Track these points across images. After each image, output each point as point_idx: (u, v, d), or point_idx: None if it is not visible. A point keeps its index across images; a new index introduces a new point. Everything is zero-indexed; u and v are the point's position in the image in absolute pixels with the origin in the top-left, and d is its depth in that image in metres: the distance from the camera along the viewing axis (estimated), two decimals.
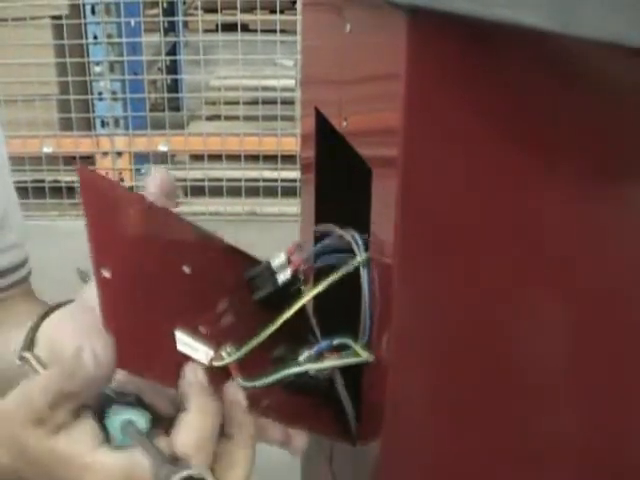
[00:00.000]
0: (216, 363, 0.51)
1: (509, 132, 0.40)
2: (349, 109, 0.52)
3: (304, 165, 0.72)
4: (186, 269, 0.57)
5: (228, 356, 0.51)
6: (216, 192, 2.85)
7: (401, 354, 0.45)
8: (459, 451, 0.47)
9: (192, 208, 2.84)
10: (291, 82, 2.94)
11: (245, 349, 0.51)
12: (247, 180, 2.81)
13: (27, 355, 0.61)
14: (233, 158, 2.84)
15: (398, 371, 0.45)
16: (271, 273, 0.59)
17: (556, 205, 0.42)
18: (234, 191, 2.83)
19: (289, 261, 0.58)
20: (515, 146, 0.41)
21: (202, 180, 2.84)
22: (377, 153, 0.46)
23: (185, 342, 0.51)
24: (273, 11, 2.83)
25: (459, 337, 0.44)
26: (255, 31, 2.82)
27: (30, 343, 0.62)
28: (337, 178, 0.66)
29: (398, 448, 0.47)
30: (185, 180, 2.89)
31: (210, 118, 2.98)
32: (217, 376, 0.50)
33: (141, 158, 2.91)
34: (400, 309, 0.44)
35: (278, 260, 0.59)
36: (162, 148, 2.86)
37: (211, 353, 0.51)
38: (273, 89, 2.87)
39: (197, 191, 2.87)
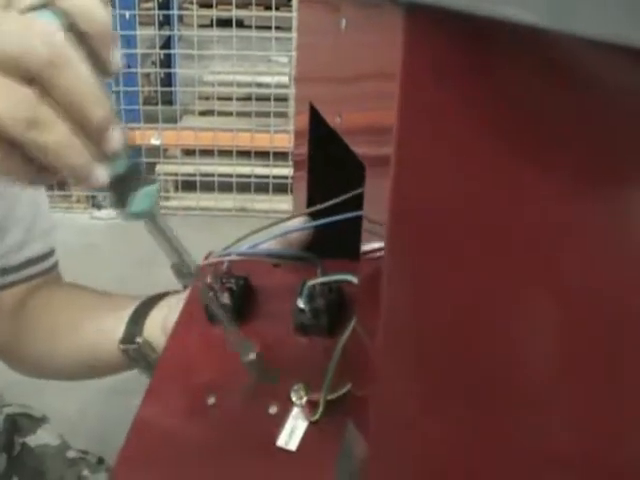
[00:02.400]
0: (315, 417, 0.52)
1: (506, 132, 0.40)
2: (343, 106, 0.52)
3: (297, 162, 0.72)
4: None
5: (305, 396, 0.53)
6: (207, 187, 2.84)
7: (389, 351, 0.44)
8: (448, 451, 0.47)
9: (183, 203, 2.84)
10: (285, 79, 2.93)
11: (327, 383, 0.52)
12: (238, 176, 2.80)
13: (140, 340, 0.64)
14: (225, 153, 2.84)
15: (386, 369, 0.45)
16: (216, 300, 0.59)
17: (552, 205, 0.42)
18: (225, 187, 2.82)
19: (212, 288, 0.59)
20: (511, 146, 0.40)
21: (193, 175, 2.83)
22: (371, 151, 0.46)
23: (289, 435, 0.52)
24: (268, 7, 2.83)
25: (449, 335, 0.44)
26: (250, 27, 2.81)
27: (139, 330, 0.65)
28: (330, 176, 0.66)
29: (386, 447, 0.47)
30: (176, 175, 2.89)
31: (203, 113, 2.98)
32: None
33: (133, 151, 2.90)
34: (390, 306, 0.44)
35: (206, 294, 0.58)
36: (154, 142, 2.85)
37: (302, 415, 0.53)
38: (267, 85, 2.87)
39: (188, 186, 2.87)
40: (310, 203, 0.67)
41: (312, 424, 0.52)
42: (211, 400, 0.55)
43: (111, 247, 2.59)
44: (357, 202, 0.54)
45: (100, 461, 0.84)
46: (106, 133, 0.39)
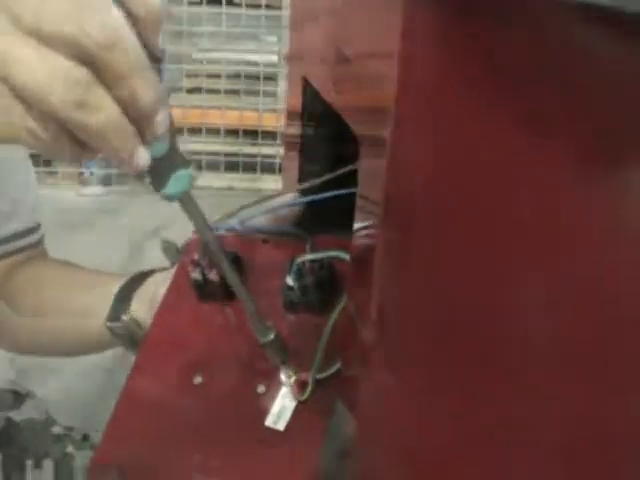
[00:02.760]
0: (303, 397, 0.52)
1: (505, 111, 0.39)
2: (340, 81, 0.51)
3: (288, 142, 0.71)
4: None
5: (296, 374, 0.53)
6: (194, 166, 2.82)
7: (380, 330, 0.44)
8: (439, 430, 0.47)
9: None
10: (274, 58, 2.91)
11: (316, 363, 0.52)
12: (226, 155, 2.79)
13: (126, 318, 0.63)
14: (213, 132, 2.82)
15: (377, 348, 0.45)
16: (204, 280, 0.60)
17: (552, 185, 0.41)
18: (213, 165, 2.81)
19: (199, 264, 0.59)
20: (511, 126, 0.40)
21: None
22: (367, 126, 0.45)
23: (278, 415, 0.52)
24: None
25: (441, 313, 0.44)
26: (240, 5, 2.78)
27: (125, 307, 0.64)
28: (320, 155, 0.65)
29: (375, 426, 0.47)
30: None
31: (191, 91, 2.95)
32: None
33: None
34: (384, 285, 0.43)
35: (194, 271, 0.60)
36: None
37: (291, 394, 0.53)
38: (256, 64, 2.84)
39: None
40: (300, 182, 0.67)
41: (301, 403, 0.52)
42: (198, 379, 0.55)
43: (97, 224, 2.58)
44: (347, 180, 0.53)
45: (85, 438, 0.84)
46: (153, 117, 0.38)
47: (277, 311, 0.58)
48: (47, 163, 2.85)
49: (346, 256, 0.53)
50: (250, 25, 2.81)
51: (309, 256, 0.57)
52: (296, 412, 0.52)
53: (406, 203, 0.41)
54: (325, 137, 0.62)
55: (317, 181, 0.60)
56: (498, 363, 0.45)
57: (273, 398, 0.53)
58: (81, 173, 2.90)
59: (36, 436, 0.81)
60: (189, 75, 2.96)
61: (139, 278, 0.70)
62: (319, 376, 0.52)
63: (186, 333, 0.60)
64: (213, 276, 0.59)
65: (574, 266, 0.43)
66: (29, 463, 0.79)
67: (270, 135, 2.77)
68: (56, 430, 0.83)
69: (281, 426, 0.51)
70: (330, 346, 0.53)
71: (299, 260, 0.57)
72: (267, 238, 0.64)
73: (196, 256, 0.60)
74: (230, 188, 2.79)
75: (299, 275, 0.57)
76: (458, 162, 0.40)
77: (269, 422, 0.52)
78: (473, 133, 0.40)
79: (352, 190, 0.48)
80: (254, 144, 2.79)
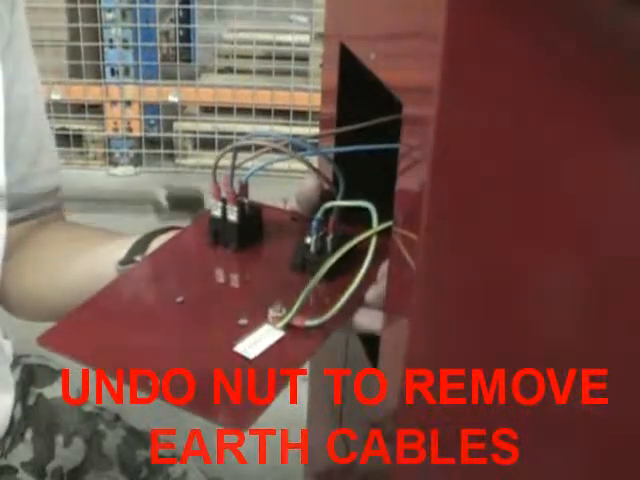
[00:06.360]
0: (281, 324, 0.51)
1: (551, 88, 0.38)
2: (379, 41, 0.50)
3: (323, 121, 0.70)
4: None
5: (285, 314, 0.51)
6: (226, 145, 2.81)
7: (422, 301, 0.43)
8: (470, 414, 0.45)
9: (201, 161, 2.81)
10: (305, 38, 2.90)
11: (302, 298, 0.51)
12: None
13: (140, 258, 0.61)
14: (244, 111, 2.81)
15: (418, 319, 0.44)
16: (223, 220, 0.59)
17: (597, 168, 0.40)
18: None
19: (225, 201, 0.59)
20: (557, 104, 0.38)
21: (212, 133, 2.81)
22: (409, 88, 0.44)
23: (251, 345, 0.50)
24: None
25: (482, 289, 0.43)
26: None
27: (141, 250, 0.63)
28: (356, 134, 0.63)
29: (413, 408, 0.45)
30: (194, 132, 2.86)
31: (222, 71, 2.94)
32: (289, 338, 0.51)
33: (151, 108, 2.88)
34: (424, 259, 0.42)
35: (216, 208, 0.59)
36: (172, 99, 2.83)
37: (272, 328, 0.51)
38: (287, 44, 2.83)
39: (206, 144, 2.85)
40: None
41: (279, 344, 0.51)
42: (180, 299, 0.55)
43: (127, 204, 2.58)
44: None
45: (117, 418, 0.83)
46: None
47: (284, 269, 0.57)
48: (78, 143, 2.86)
49: (373, 210, 0.52)
50: (281, 4, 2.80)
51: (338, 202, 0.55)
52: (272, 349, 0.50)
53: (453, 160, 0.40)
54: (360, 116, 0.60)
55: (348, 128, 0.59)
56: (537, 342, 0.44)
57: (252, 331, 0.51)
58: (111, 154, 2.90)
59: (66, 413, 0.80)
60: (220, 55, 2.95)
61: (164, 229, 0.67)
62: (309, 323, 0.51)
63: (187, 263, 0.60)
64: (232, 217, 0.59)
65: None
66: (59, 440, 0.78)
67: (302, 115, 2.75)
68: (87, 408, 0.82)
69: (250, 354, 0.49)
70: (320, 297, 0.52)
71: (327, 205, 0.55)
72: (296, 217, 0.62)
73: (224, 192, 0.59)
74: (262, 168, 2.78)
75: (320, 226, 0.55)
76: (503, 136, 0.39)
77: (239, 348, 0.50)
78: (518, 105, 0.39)
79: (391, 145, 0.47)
80: (286, 124, 2.77)
